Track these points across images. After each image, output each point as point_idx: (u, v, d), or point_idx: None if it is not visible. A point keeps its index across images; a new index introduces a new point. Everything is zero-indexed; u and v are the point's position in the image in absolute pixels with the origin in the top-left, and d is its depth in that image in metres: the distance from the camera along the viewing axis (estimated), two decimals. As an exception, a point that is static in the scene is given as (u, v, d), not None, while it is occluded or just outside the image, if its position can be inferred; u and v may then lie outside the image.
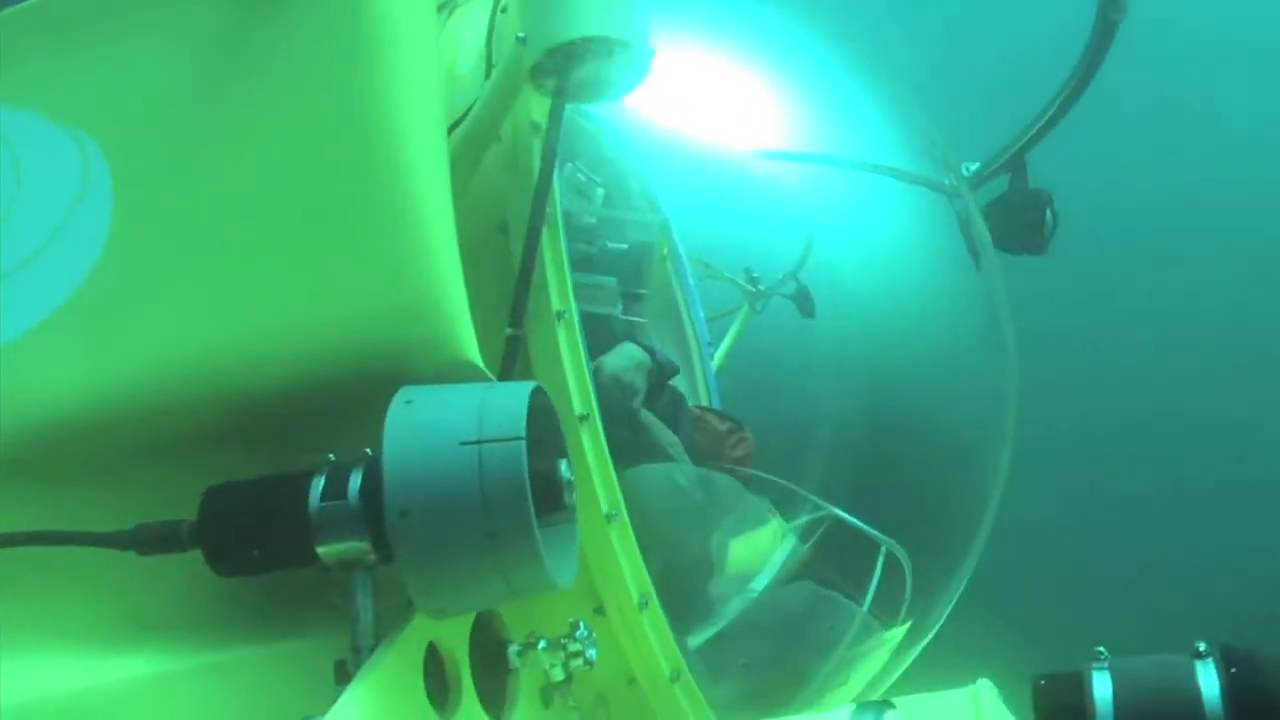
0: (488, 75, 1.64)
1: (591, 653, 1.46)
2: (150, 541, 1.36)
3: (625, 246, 1.72)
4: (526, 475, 1.20)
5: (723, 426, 2.06)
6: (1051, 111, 2.44)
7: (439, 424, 1.24)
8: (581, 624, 1.46)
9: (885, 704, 1.13)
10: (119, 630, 1.41)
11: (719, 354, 2.24)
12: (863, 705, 1.14)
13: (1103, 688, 0.98)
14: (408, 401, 1.27)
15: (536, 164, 1.53)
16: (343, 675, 1.28)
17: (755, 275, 2.20)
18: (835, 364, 2.13)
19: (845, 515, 1.92)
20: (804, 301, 2.19)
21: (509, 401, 1.26)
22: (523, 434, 1.22)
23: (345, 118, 1.40)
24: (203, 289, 1.42)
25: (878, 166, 2.16)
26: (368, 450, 1.30)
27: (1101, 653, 1.01)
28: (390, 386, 1.36)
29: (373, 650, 1.28)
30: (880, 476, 2.02)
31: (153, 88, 1.49)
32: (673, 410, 1.94)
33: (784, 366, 2.22)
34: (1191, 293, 4.63)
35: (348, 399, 1.39)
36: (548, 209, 1.51)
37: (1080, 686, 0.97)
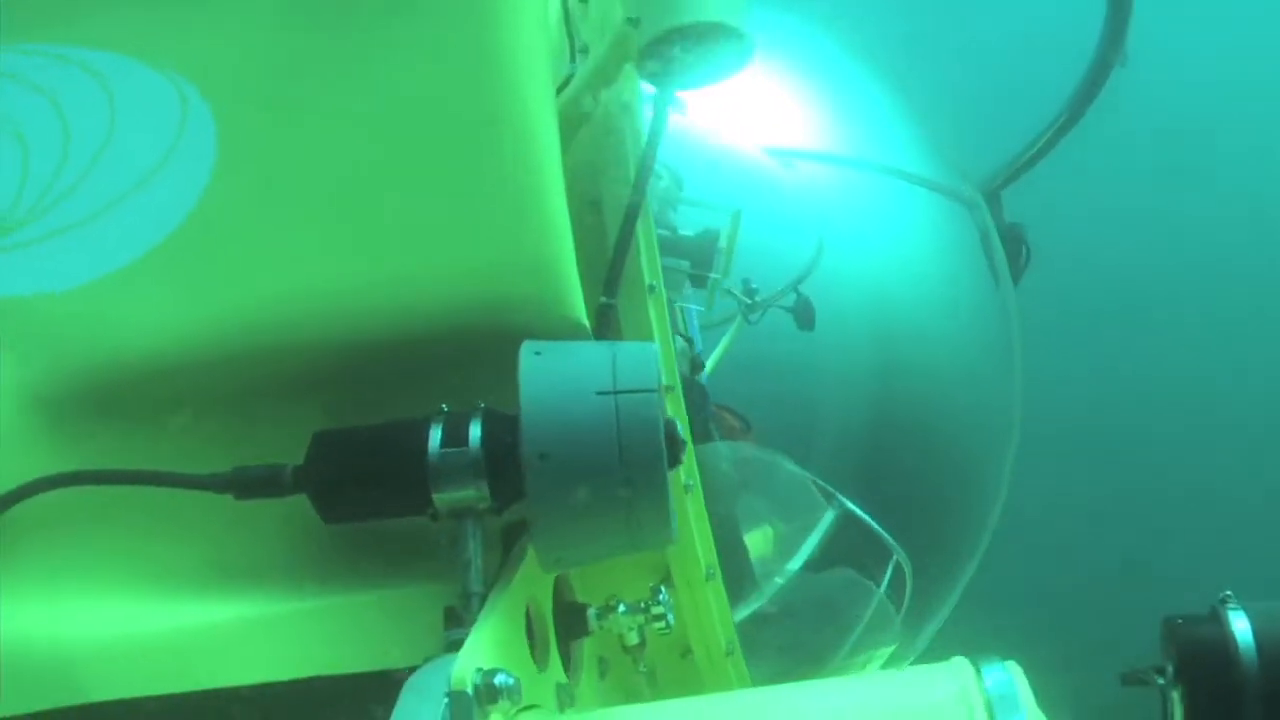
0: (572, 55, 1.70)
1: (671, 617, 1.49)
2: (251, 485, 1.35)
3: (692, 234, 1.77)
4: (662, 426, 1.25)
5: (737, 424, 2.13)
6: (1035, 149, 2.58)
7: (574, 374, 1.28)
8: (662, 589, 1.50)
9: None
10: (207, 575, 1.40)
11: (708, 366, 2.29)
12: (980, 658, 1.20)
13: (1240, 624, 1.06)
14: (537, 352, 1.30)
15: (629, 144, 1.59)
16: (453, 620, 1.29)
17: (753, 286, 2.25)
18: (840, 372, 2.20)
19: (861, 514, 1.99)
20: (804, 314, 2.24)
21: (638, 357, 1.30)
22: (656, 387, 1.27)
23: (468, 75, 1.43)
24: (310, 236, 1.42)
25: (899, 171, 2.25)
26: (480, 403, 1.34)
27: (1229, 595, 1.10)
28: (498, 341, 1.39)
29: (484, 598, 1.30)
30: (881, 487, 2.10)
31: (262, 36, 1.50)
32: (700, 401, 2.00)
33: (786, 373, 2.28)
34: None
35: (452, 351, 1.42)
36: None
37: (1220, 622, 1.05)
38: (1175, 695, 1.03)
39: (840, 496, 1.95)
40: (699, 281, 1.79)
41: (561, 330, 1.39)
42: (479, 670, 1.14)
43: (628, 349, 1.31)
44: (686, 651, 1.67)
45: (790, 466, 1.88)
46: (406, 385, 1.43)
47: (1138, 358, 4.67)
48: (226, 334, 1.41)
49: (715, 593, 1.62)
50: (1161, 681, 1.00)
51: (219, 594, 1.37)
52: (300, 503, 1.37)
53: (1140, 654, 1.24)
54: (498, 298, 1.39)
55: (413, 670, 1.28)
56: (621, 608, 1.48)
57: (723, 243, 1.77)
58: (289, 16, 1.48)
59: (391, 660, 1.31)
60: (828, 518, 1.90)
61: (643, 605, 1.48)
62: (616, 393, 1.25)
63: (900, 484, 2.03)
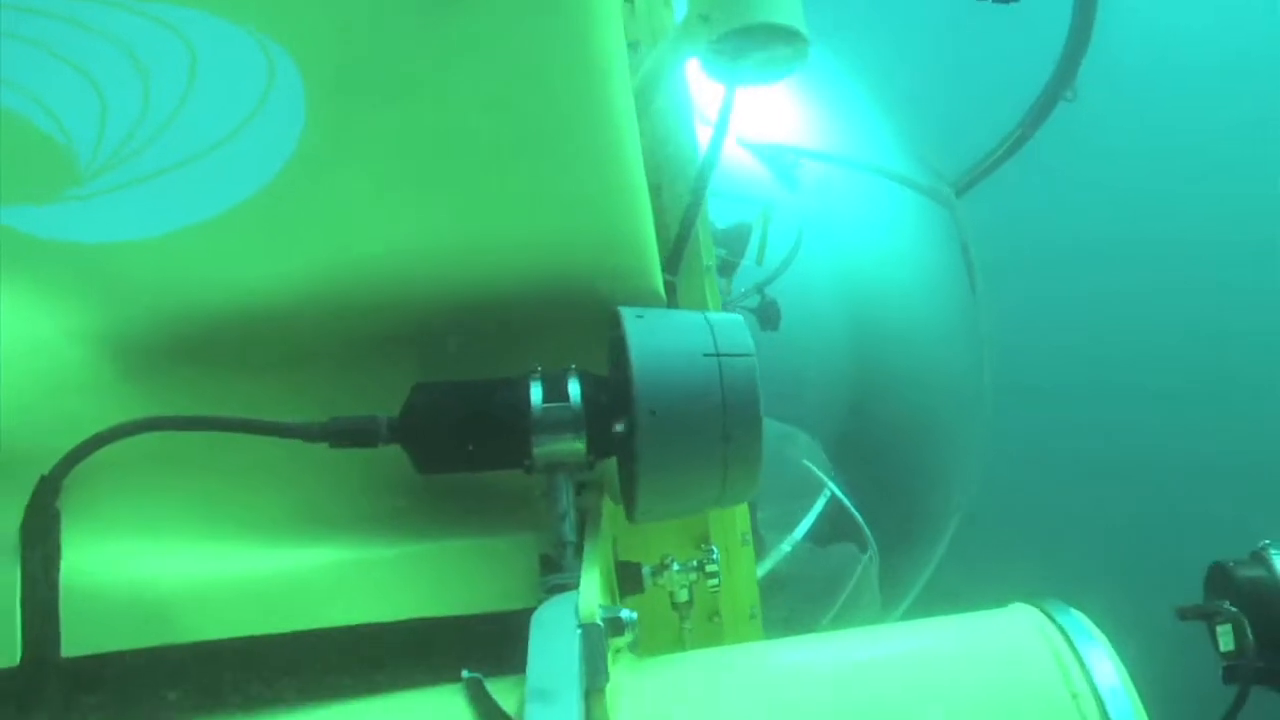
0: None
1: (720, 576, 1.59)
2: (347, 434, 1.39)
3: (725, 225, 1.89)
4: (759, 387, 1.35)
5: None
6: (985, 165, 2.79)
7: (678, 337, 1.37)
8: (715, 549, 1.59)
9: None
10: (298, 521, 1.43)
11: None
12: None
13: (1284, 562, 1.23)
14: (639, 316, 1.39)
15: (685, 136, 1.70)
16: (550, 566, 1.36)
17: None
18: (819, 352, 2.33)
19: (842, 497, 2.14)
20: (768, 315, 2.38)
21: (733, 325, 1.40)
22: (754, 352, 1.37)
23: (559, 52, 1.51)
24: (405, 201, 1.47)
25: (879, 167, 2.40)
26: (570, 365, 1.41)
27: (1269, 543, 1.26)
28: (580, 307, 1.48)
29: (577, 547, 1.37)
30: (859, 464, 2.25)
31: (357, 3, 1.54)
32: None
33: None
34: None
35: (534, 316, 1.49)
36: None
37: (1266, 563, 1.21)
38: (1224, 628, 1.19)
39: (828, 481, 2.09)
40: (725, 270, 1.90)
41: (640, 300, 1.48)
42: (603, 606, 1.22)
43: (718, 317, 1.41)
44: (715, 614, 1.77)
45: (805, 438, 2.01)
46: (489, 347, 1.50)
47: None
48: (318, 289, 1.44)
49: (748, 558, 1.73)
50: (1232, 610, 1.16)
51: (311, 540, 1.40)
52: (390, 454, 1.42)
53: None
54: (585, 267, 1.47)
55: (505, 614, 1.36)
56: (676, 566, 1.57)
57: (757, 235, 1.88)
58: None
59: (486, 604, 1.38)
60: (826, 495, 2.04)
61: (696, 564, 1.58)
62: (720, 355, 1.35)
63: (877, 461, 2.19)
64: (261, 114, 1.49)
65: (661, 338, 1.35)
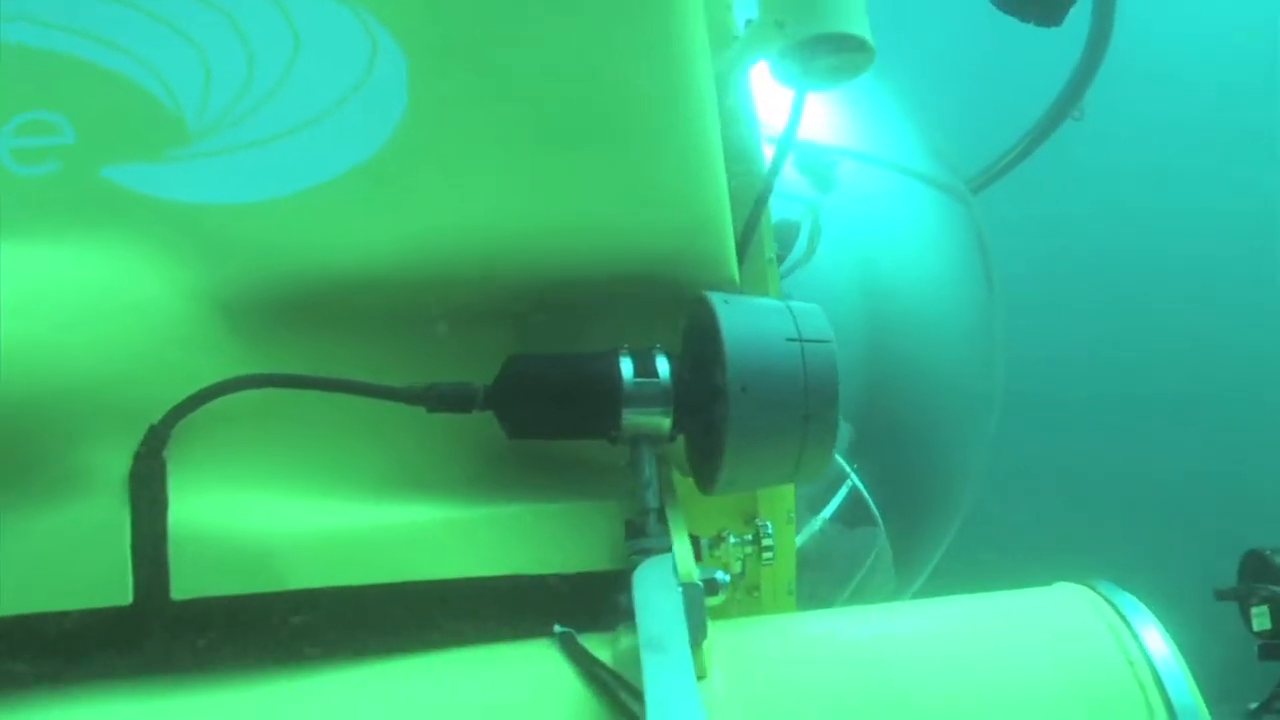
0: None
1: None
2: (444, 399, 1.46)
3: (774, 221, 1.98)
4: (838, 372, 1.45)
5: None
6: (993, 172, 2.90)
7: (764, 321, 1.46)
8: (769, 524, 1.69)
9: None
10: (392, 479, 1.50)
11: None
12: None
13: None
14: (726, 301, 1.48)
15: (755, 135, 1.79)
16: (635, 531, 1.45)
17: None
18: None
19: (859, 484, 2.25)
20: None
21: (813, 313, 1.50)
22: (833, 339, 1.47)
23: (647, 45, 1.58)
24: (499, 177, 1.53)
25: (898, 164, 2.50)
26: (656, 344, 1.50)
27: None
28: (659, 290, 1.56)
29: (659, 514, 1.46)
30: (870, 459, 2.35)
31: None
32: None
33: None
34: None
35: (614, 295, 1.57)
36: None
37: None
38: (1259, 609, 1.31)
39: (849, 470, 2.20)
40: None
41: (715, 286, 1.56)
42: (700, 567, 1.31)
43: (798, 306, 1.51)
44: (754, 588, 1.86)
45: (847, 429, 2.11)
46: (568, 323, 1.58)
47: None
48: (414, 260, 1.51)
49: (790, 535, 1.83)
50: (1273, 589, 1.28)
51: (403, 497, 1.47)
52: (481, 419, 1.49)
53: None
54: (666, 252, 1.55)
55: (590, 575, 1.45)
56: (732, 539, 1.66)
57: (805, 231, 1.98)
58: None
59: (571, 565, 1.46)
60: (849, 481, 2.14)
61: (752, 538, 1.67)
62: (803, 340, 1.45)
63: (888, 451, 2.29)
64: (365, 89, 1.55)
65: (749, 321, 1.44)
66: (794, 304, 1.51)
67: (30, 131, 1.51)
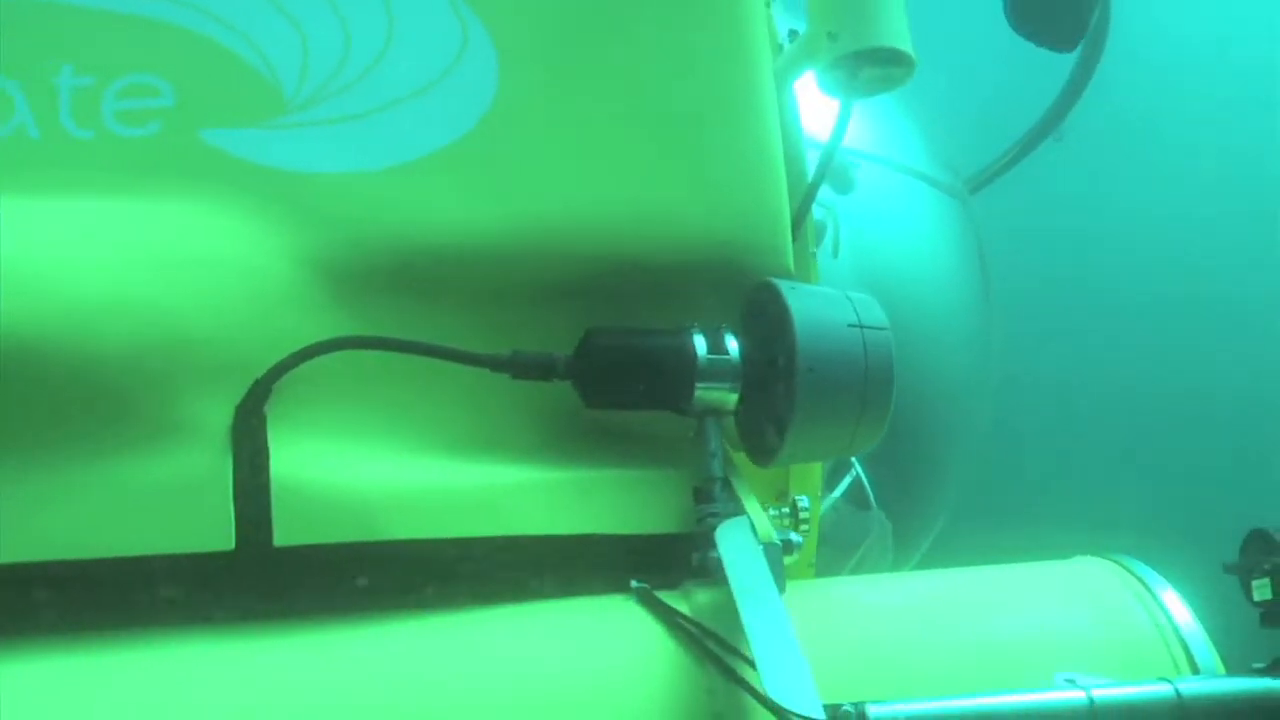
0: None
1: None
2: (528, 367, 1.56)
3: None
4: (894, 358, 1.58)
5: None
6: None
7: (827, 308, 1.58)
8: (806, 499, 1.82)
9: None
10: (472, 442, 1.58)
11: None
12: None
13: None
14: (792, 287, 1.60)
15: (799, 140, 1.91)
16: (704, 497, 1.56)
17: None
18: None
19: (861, 472, 2.39)
20: None
21: (869, 302, 1.62)
22: (889, 326, 1.60)
23: (721, 48, 1.70)
24: (578, 163, 1.63)
25: (897, 163, 2.64)
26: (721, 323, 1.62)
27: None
28: (723, 275, 1.67)
29: (724, 482, 1.57)
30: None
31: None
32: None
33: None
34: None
35: (679, 279, 1.68)
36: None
37: None
38: (1260, 581, 1.47)
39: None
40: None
41: (773, 274, 1.68)
42: (777, 529, 1.44)
43: (856, 295, 1.63)
44: (780, 560, 1.98)
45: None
46: (635, 302, 1.68)
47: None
48: (499, 237, 1.60)
49: (817, 510, 1.96)
50: (1268, 568, 1.44)
51: (485, 457, 1.57)
52: (559, 388, 1.59)
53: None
54: (732, 239, 1.67)
55: (660, 536, 1.56)
56: (772, 511, 1.79)
57: (830, 231, 2.11)
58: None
59: (644, 526, 1.57)
60: (856, 467, 2.29)
61: (790, 511, 1.80)
62: (863, 327, 1.57)
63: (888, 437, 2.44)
64: (456, 74, 1.64)
65: (815, 307, 1.57)
66: (851, 293, 1.64)
67: (132, 94, 1.57)
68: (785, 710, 1.16)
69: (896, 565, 2.50)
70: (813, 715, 1.15)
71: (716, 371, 1.56)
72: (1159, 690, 1.24)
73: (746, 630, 1.28)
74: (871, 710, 1.15)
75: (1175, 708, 1.22)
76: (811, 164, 2.05)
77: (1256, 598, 1.50)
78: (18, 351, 1.39)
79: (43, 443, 1.41)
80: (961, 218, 2.82)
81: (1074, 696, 1.20)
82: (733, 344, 1.58)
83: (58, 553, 1.40)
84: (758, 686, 1.29)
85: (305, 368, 1.49)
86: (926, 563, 2.70)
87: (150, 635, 1.40)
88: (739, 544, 1.42)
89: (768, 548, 1.41)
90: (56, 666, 1.34)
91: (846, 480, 2.27)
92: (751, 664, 1.32)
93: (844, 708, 1.16)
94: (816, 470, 1.96)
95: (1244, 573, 1.50)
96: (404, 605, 1.46)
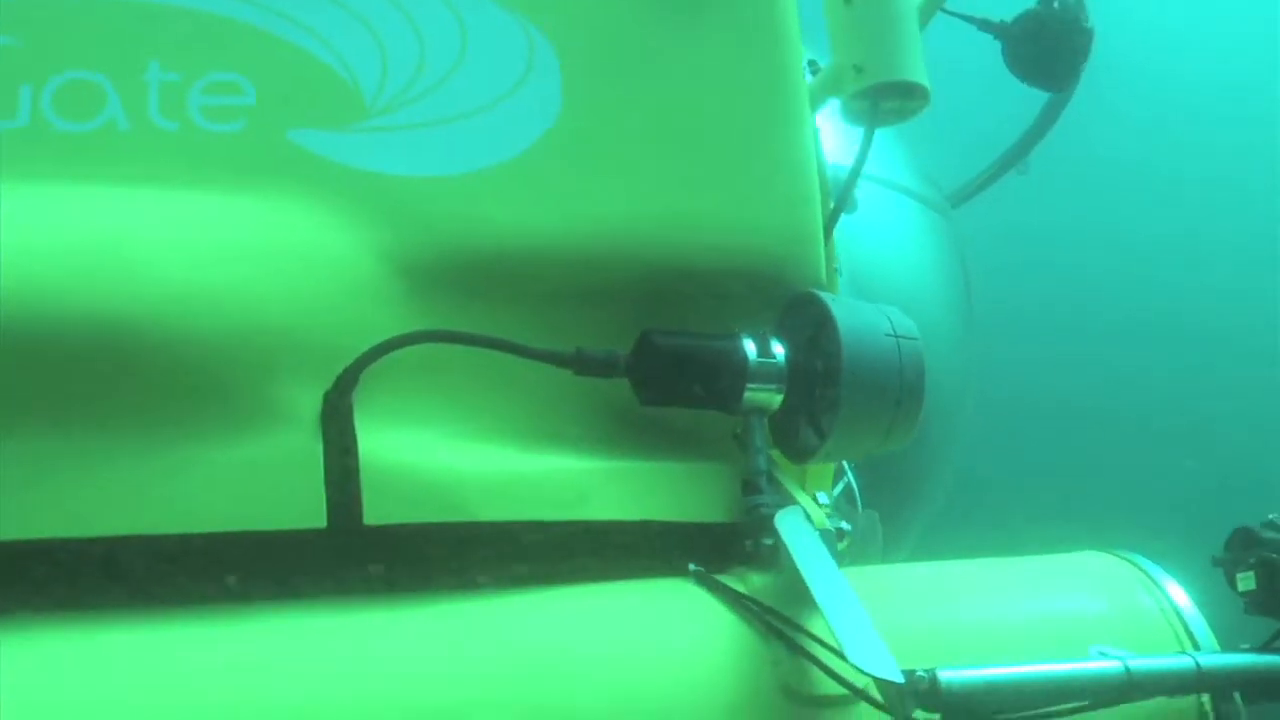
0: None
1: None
2: (591, 364, 1.66)
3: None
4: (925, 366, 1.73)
5: None
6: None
7: (866, 318, 1.72)
8: (825, 496, 1.95)
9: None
10: (535, 433, 1.68)
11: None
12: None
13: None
14: (834, 299, 1.73)
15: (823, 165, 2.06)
16: (751, 489, 1.68)
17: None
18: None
19: (850, 475, 2.54)
20: None
21: (900, 315, 1.77)
22: (920, 336, 1.75)
23: (767, 77, 1.83)
24: (636, 173, 1.74)
25: (881, 178, 2.79)
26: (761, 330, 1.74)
27: (1275, 515, 1.73)
28: (762, 284, 1.80)
29: (769, 476, 1.70)
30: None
31: (609, 4, 1.80)
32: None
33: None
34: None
35: (723, 286, 1.80)
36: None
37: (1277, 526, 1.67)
38: (1244, 574, 1.65)
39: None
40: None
41: (807, 285, 1.82)
42: (830, 517, 1.57)
43: (888, 308, 1.78)
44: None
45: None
46: (680, 306, 1.79)
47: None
48: (561, 242, 1.71)
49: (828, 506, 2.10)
50: (1267, 555, 1.62)
51: (547, 447, 1.67)
52: (616, 385, 1.70)
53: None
54: (773, 253, 1.80)
55: (711, 525, 1.68)
56: (792, 506, 1.92)
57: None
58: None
59: (696, 515, 1.68)
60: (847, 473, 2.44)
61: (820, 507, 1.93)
62: (898, 336, 1.72)
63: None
64: (524, 88, 1.74)
65: (857, 317, 1.71)
66: (884, 306, 1.78)
67: (217, 91, 1.65)
68: (869, 673, 1.29)
69: (885, 560, 2.66)
70: (894, 678, 1.28)
71: (764, 374, 1.68)
72: (1182, 662, 1.41)
73: (821, 604, 1.41)
74: (942, 675, 1.28)
75: (1196, 676, 1.39)
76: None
77: (1241, 588, 1.68)
78: (124, 334, 1.46)
79: (145, 423, 1.48)
80: (944, 231, 3.00)
81: (1112, 666, 1.36)
82: (778, 349, 1.71)
83: (160, 527, 1.46)
84: (822, 657, 1.43)
85: (385, 358, 1.57)
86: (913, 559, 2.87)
87: (245, 608, 1.47)
88: (798, 530, 1.54)
89: (824, 534, 1.54)
90: (161, 635, 1.40)
91: (841, 484, 2.42)
92: (813, 637, 1.45)
93: (918, 672, 1.29)
94: (829, 470, 2.10)
95: (1229, 566, 1.68)
96: (485, 583, 1.55)
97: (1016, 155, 3.02)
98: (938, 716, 1.32)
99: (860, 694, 1.39)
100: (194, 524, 1.47)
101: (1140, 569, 1.66)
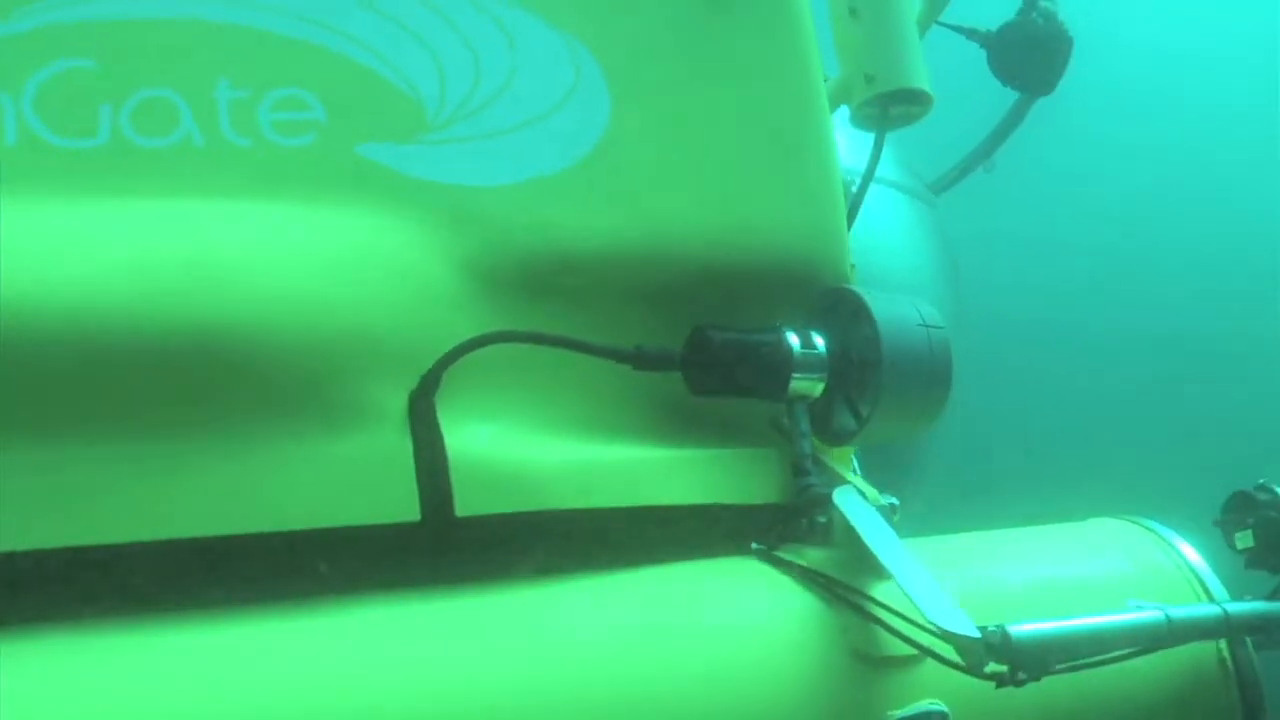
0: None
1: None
2: (650, 360, 1.77)
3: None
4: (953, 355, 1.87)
5: None
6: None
7: (901, 309, 1.86)
8: (851, 477, 2.08)
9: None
10: (601, 424, 1.78)
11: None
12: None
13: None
14: (869, 293, 1.87)
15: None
16: (800, 472, 1.81)
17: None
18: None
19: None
20: None
21: (927, 305, 1.91)
22: (946, 326, 1.89)
23: (794, 83, 1.96)
24: (680, 180, 1.86)
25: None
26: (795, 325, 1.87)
27: (1264, 480, 1.91)
28: (795, 281, 1.93)
29: (815, 459, 1.83)
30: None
31: (647, 20, 1.91)
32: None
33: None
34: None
35: (759, 283, 1.92)
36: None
37: (1269, 489, 1.84)
38: (1243, 533, 1.82)
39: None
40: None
41: (835, 281, 1.95)
42: (882, 494, 1.71)
43: (915, 299, 1.92)
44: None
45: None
46: (720, 302, 1.90)
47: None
48: (613, 244, 1.81)
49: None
50: (1266, 515, 1.79)
51: (613, 437, 1.77)
52: (663, 377, 1.80)
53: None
54: (806, 251, 1.93)
55: (764, 506, 1.80)
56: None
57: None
58: (674, 10, 1.93)
59: (751, 497, 1.80)
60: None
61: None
62: (927, 326, 1.86)
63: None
64: (575, 100, 1.84)
65: (892, 309, 1.84)
66: (910, 297, 1.92)
67: (286, 107, 1.72)
68: (949, 630, 1.43)
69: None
70: (971, 633, 1.42)
71: (808, 364, 1.81)
72: (1211, 609, 1.58)
73: (893, 572, 1.54)
74: (1012, 630, 1.42)
75: (1225, 623, 1.56)
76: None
77: (1240, 546, 1.86)
78: (224, 342, 1.53)
79: (241, 424, 1.55)
80: (929, 220, 3.14)
81: (1154, 616, 1.52)
82: (819, 340, 1.83)
83: (263, 525, 1.53)
84: (889, 620, 1.56)
85: (468, 359, 1.66)
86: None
87: (343, 600, 1.54)
88: (857, 506, 1.68)
89: (881, 509, 1.68)
90: (268, 629, 1.47)
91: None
92: (877, 603, 1.58)
93: (990, 628, 1.43)
94: (848, 454, 2.23)
95: (1228, 526, 1.86)
96: (571, 568, 1.65)
97: (983, 153, 3.18)
98: (1005, 668, 1.46)
99: (927, 652, 1.52)
100: (295, 521, 1.54)
101: (1152, 531, 1.83)
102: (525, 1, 1.87)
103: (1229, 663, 1.68)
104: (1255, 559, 1.82)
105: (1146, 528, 1.85)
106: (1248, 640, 1.69)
